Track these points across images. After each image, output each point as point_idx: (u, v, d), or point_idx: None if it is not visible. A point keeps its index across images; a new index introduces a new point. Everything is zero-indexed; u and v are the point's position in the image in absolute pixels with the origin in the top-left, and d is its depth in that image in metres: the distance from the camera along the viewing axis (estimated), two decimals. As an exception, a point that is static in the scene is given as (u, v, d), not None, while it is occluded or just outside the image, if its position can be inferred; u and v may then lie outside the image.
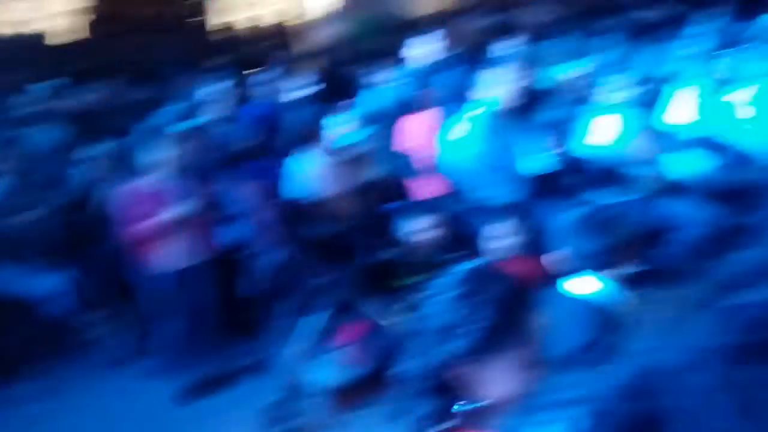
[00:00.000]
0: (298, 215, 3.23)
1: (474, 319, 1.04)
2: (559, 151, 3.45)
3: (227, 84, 4.45)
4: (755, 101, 3.79)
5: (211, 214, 3.49)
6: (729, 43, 4.58)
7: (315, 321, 2.58)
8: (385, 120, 4.46)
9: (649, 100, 4.69)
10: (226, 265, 3.59)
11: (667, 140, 4.01)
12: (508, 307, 1.07)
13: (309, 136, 3.64)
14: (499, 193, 3.25)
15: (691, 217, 3.61)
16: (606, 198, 3.67)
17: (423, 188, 3.81)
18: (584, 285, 1.57)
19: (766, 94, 3.84)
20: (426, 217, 3.17)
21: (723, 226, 3.62)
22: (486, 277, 1.13)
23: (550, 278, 1.77)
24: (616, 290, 1.59)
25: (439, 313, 1.09)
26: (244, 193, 3.56)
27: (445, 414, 1.11)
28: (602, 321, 1.52)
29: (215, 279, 3.54)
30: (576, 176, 3.78)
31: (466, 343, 1.05)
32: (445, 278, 1.14)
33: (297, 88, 4.68)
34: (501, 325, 1.05)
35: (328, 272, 2.87)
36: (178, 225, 3.37)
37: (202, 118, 4.01)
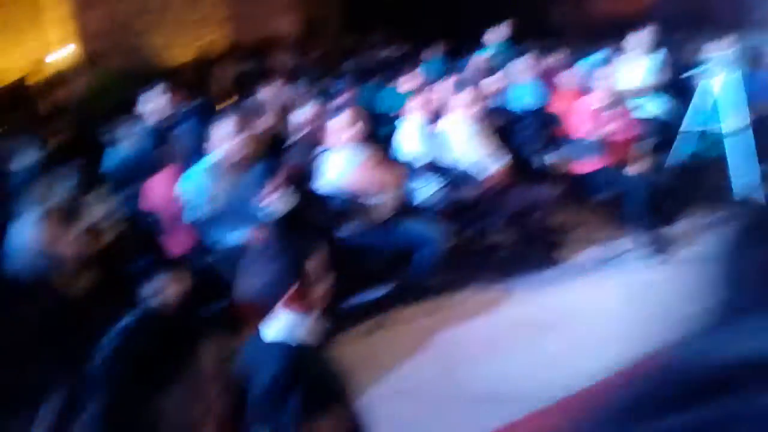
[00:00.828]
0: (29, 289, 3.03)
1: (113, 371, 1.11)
2: (294, 191, 3.67)
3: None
4: (467, 127, 4.35)
5: None
6: (443, 76, 5.23)
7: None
8: (127, 178, 4.39)
9: (384, 133, 5.17)
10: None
11: (403, 169, 4.44)
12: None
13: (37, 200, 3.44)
14: (236, 236, 3.41)
15: (428, 235, 4.02)
16: (349, 230, 3.98)
17: (173, 244, 3.80)
18: (277, 325, 1.70)
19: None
20: (169, 273, 3.17)
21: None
22: (138, 329, 1.19)
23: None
24: (302, 325, 1.73)
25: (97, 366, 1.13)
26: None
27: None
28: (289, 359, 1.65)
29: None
30: (320, 212, 4.05)
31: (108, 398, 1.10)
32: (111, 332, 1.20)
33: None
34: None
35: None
36: None
37: None
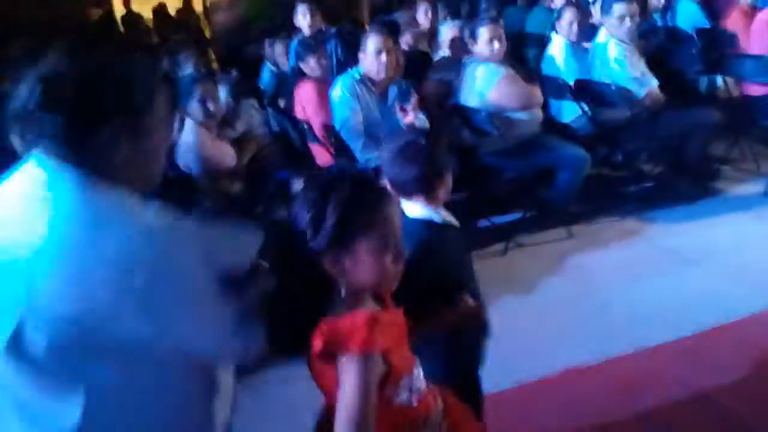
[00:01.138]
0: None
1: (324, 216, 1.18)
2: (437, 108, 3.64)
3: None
4: (619, 46, 4.07)
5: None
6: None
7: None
8: (282, 90, 4.61)
9: (533, 54, 4.97)
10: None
11: (548, 86, 4.27)
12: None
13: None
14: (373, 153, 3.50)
15: (571, 157, 3.87)
16: (490, 146, 3.92)
17: (318, 155, 3.95)
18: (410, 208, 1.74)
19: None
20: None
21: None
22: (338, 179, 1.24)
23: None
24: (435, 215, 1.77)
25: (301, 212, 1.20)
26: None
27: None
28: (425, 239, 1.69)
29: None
30: (461, 128, 4.01)
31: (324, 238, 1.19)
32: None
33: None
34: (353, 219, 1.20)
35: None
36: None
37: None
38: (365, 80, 3.64)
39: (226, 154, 3.44)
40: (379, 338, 1.17)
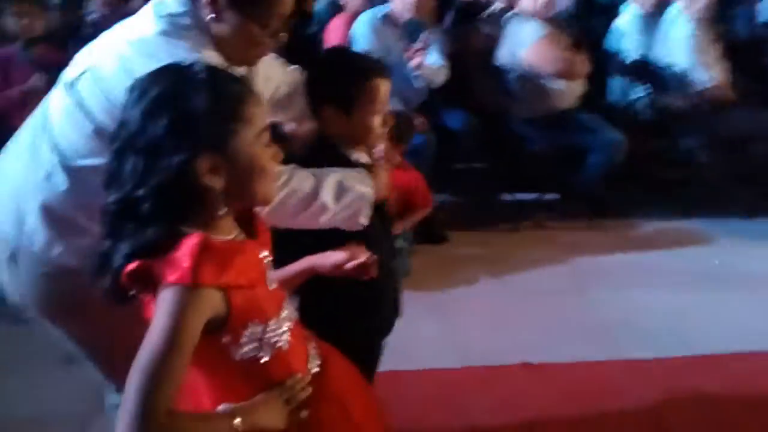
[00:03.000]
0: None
1: None
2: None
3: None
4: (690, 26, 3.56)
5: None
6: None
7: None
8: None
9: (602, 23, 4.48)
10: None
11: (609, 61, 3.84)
12: None
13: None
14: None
15: (608, 139, 3.45)
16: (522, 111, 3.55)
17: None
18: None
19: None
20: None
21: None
22: None
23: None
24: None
25: None
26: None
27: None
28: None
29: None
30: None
31: None
32: None
33: None
34: None
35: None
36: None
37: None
38: (389, 19, 3.35)
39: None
40: (210, 269, 0.94)
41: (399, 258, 2.95)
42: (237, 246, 1.04)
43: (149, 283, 0.95)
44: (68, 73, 1.34)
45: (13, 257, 1.35)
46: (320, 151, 1.50)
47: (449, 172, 3.70)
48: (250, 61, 1.33)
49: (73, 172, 1.28)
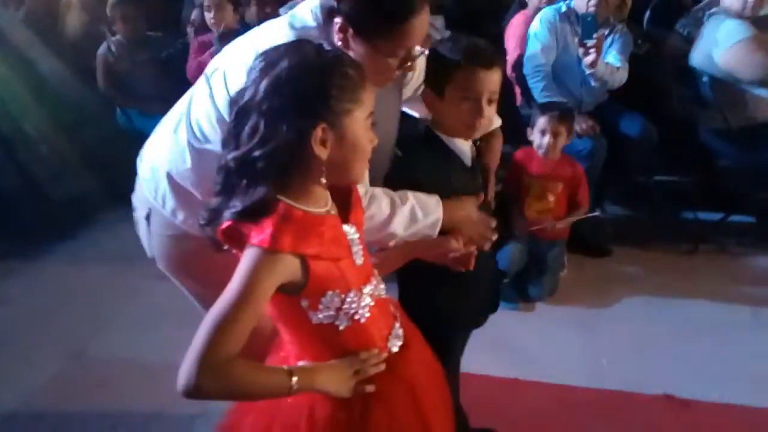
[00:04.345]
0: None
1: None
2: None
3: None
4: None
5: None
6: None
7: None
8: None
9: None
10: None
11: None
12: None
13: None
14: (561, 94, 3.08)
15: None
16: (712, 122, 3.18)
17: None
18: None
19: None
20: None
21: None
22: None
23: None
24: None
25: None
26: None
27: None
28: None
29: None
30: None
31: None
32: None
33: None
34: None
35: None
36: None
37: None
38: (570, 15, 3.17)
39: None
40: (289, 237, 1.01)
41: (546, 275, 2.87)
42: (319, 219, 1.08)
43: (240, 241, 1.03)
44: (209, 66, 1.47)
45: (148, 216, 1.52)
46: (426, 141, 1.50)
47: (621, 182, 3.44)
48: (376, 85, 1.34)
49: (197, 154, 1.39)
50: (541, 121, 2.76)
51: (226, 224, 1.04)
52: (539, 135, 2.77)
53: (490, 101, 1.41)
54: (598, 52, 2.96)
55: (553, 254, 2.87)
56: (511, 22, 3.77)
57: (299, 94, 1.00)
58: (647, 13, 4.02)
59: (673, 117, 3.45)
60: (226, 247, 1.07)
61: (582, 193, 2.84)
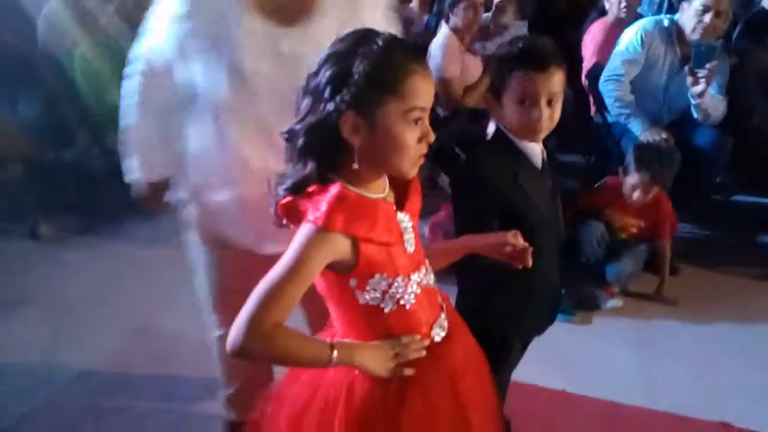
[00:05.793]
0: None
1: None
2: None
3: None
4: None
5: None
6: None
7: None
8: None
9: None
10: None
11: None
12: None
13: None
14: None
15: None
16: None
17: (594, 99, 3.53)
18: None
19: None
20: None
21: None
22: None
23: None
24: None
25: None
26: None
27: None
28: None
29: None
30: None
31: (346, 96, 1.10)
32: None
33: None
34: None
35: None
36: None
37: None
38: (674, 33, 3.04)
39: (469, 66, 3.34)
40: (341, 217, 1.04)
41: (625, 259, 2.82)
42: (373, 203, 1.10)
43: (297, 217, 1.08)
44: None
45: (195, 195, 1.60)
46: (494, 142, 1.49)
47: (696, 200, 3.31)
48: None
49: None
50: (635, 177, 2.78)
51: (285, 200, 1.09)
52: (630, 188, 2.80)
53: (549, 102, 1.38)
54: (708, 83, 2.86)
55: (640, 248, 2.90)
56: (589, 29, 3.70)
57: (333, 77, 1.03)
58: (738, 27, 3.86)
59: (756, 134, 3.30)
60: (284, 222, 1.12)
61: (665, 229, 2.89)
